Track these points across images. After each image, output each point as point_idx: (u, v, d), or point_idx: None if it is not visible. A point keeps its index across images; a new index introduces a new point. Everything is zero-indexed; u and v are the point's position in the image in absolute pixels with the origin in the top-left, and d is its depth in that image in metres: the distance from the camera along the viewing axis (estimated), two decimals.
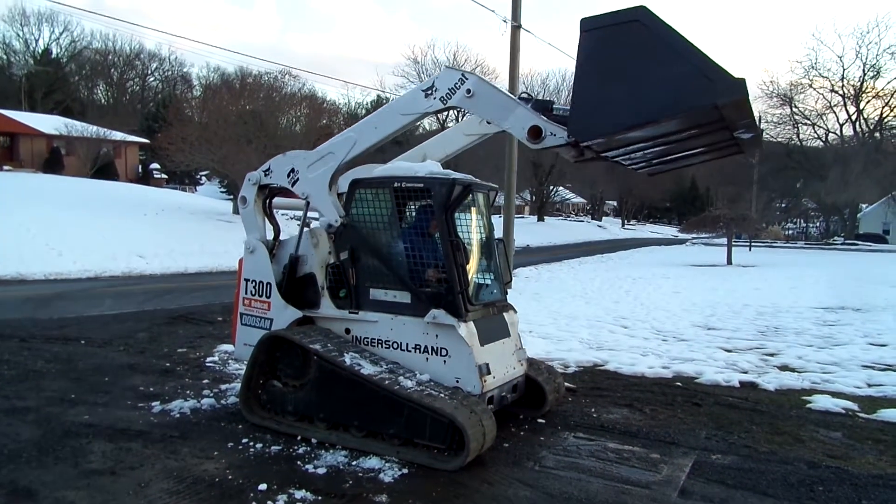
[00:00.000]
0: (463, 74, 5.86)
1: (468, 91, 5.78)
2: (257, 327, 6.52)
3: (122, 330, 10.85)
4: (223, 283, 16.33)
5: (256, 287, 6.59)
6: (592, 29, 4.89)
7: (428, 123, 50.70)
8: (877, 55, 54.53)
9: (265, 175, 6.71)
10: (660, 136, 5.43)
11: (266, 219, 6.95)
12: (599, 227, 71.19)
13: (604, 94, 4.92)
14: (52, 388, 7.39)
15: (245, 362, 6.41)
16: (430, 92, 5.97)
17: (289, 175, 6.54)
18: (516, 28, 18.72)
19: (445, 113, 45.79)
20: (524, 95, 6.18)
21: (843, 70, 55.81)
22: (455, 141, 7.24)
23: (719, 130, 5.46)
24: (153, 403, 6.89)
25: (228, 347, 9.24)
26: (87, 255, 19.52)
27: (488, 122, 6.63)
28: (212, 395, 7.28)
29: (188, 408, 6.79)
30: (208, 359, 9.08)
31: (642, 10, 4.71)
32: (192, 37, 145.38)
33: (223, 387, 7.62)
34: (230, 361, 8.81)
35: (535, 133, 5.50)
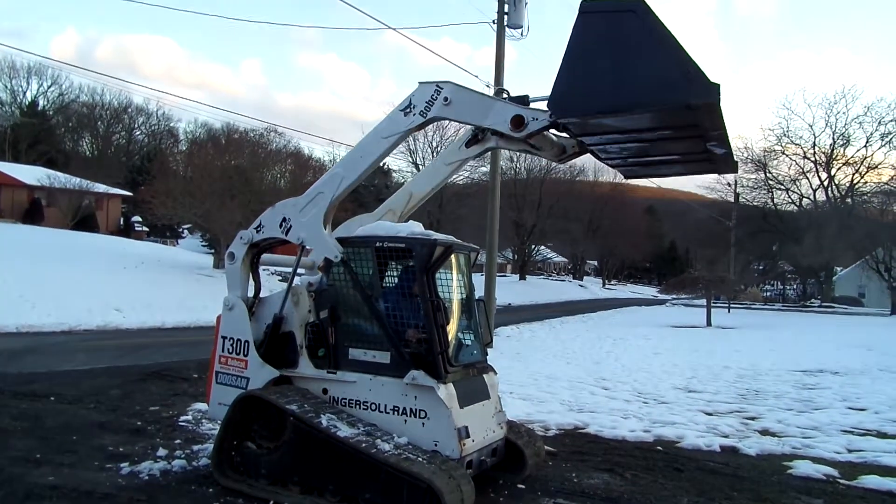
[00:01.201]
0: (437, 85, 5.92)
1: (446, 99, 5.85)
2: (233, 386, 6.40)
3: (93, 386, 10.58)
4: (201, 339, 16.05)
5: (234, 345, 6.49)
6: (589, 12, 5.01)
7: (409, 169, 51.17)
8: (845, 124, 56.45)
9: (257, 232, 6.61)
10: (635, 131, 5.52)
11: (250, 276, 6.87)
12: (581, 286, 71.53)
13: (587, 75, 5.04)
14: (17, 447, 7.13)
15: (219, 422, 6.26)
16: (408, 109, 6.03)
17: (281, 225, 6.45)
18: (499, 92, 19.26)
19: (423, 159, 46.23)
20: (501, 93, 6.30)
21: (814, 138, 57.66)
22: (438, 172, 7.21)
23: (693, 139, 5.57)
24: (122, 464, 6.67)
25: (203, 406, 9.01)
26: (63, 307, 19.17)
27: (467, 146, 6.64)
28: (183, 456, 7.07)
29: (158, 469, 6.57)
30: (181, 417, 8.85)
31: (640, 2, 4.85)
32: (180, 93, 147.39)
33: (195, 448, 7.40)
34: (204, 421, 8.59)
35: (518, 122, 5.59)
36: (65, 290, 20.64)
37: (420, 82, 6.07)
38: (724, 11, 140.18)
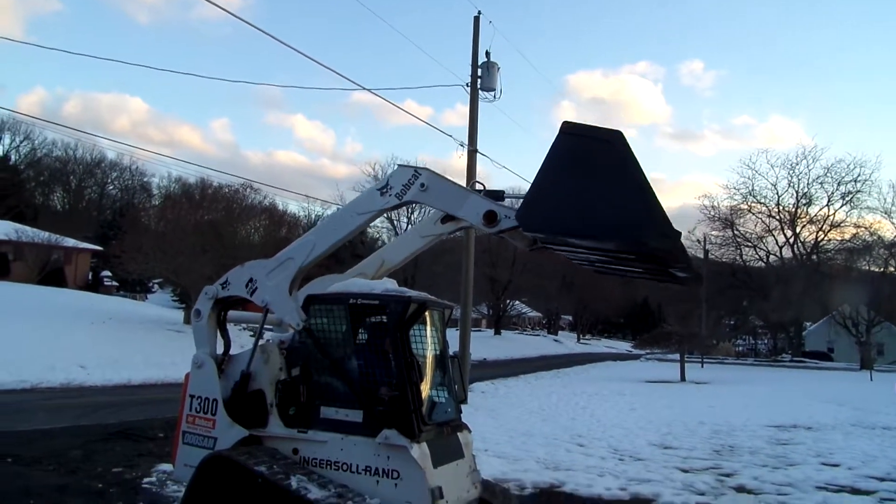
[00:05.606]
0: (416, 170, 6.03)
1: (422, 185, 5.94)
2: (200, 447, 6.21)
3: (53, 447, 10.19)
4: (168, 397, 15.60)
5: (202, 404, 6.33)
6: (570, 133, 5.13)
7: (387, 237, 51.45)
8: (807, 184, 58.31)
9: (223, 288, 6.55)
10: (599, 250, 5.64)
11: (218, 333, 6.77)
12: (555, 341, 71.44)
13: (558, 195, 5.12)
14: None
15: (184, 484, 6.05)
16: (385, 190, 6.11)
17: (247, 285, 6.41)
18: (472, 152, 19.67)
19: (405, 222, 46.55)
20: (477, 186, 6.40)
21: (778, 197, 59.37)
22: (412, 244, 7.23)
23: (653, 261, 5.70)
24: None
25: (168, 467, 8.71)
26: (25, 364, 18.56)
27: (443, 222, 6.69)
28: None
29: None
30: (145, 479, 8.56)
31: (618, 135, 4.98)
32: (153, 149, 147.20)
33: None
34: (169, 483, 8.32)
35: (491, 217, 5.67)
36: (27, 347, 20.06)
37: (399, 165, 6.26)
38: (671, 80, 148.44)
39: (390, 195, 6.08)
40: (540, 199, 5.21)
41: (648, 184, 4.90)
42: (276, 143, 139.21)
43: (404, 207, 47.15)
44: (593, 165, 5.00)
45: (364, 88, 21.09)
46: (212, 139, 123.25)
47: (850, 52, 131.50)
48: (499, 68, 21.16)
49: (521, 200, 5.49)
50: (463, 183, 19.93)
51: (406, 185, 6.01)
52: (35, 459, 9.31)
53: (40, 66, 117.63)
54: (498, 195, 6.10)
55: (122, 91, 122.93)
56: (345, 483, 5.64)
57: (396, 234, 48.16)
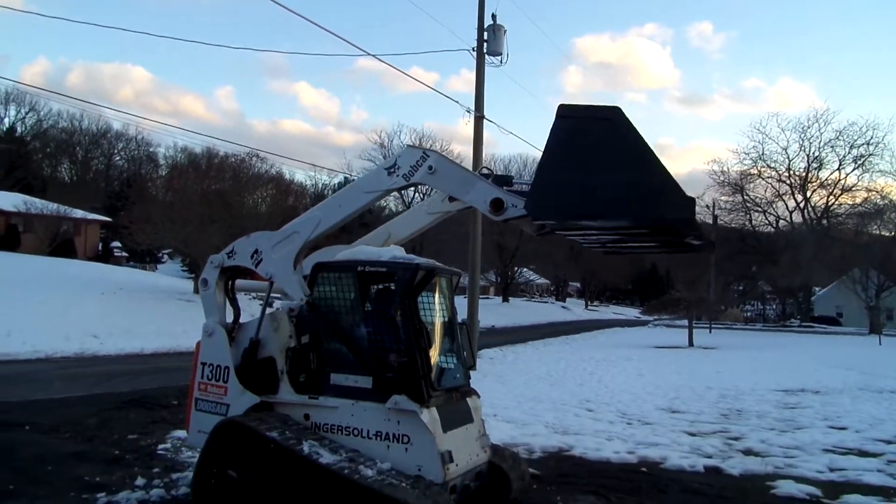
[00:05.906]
0: (424, 152, 6.02)
1: (430, 168, 5.94)
2: (213, 413, 6.30)
3: (69, 415, 10.35)
4: (180, 365, 15.79)
5: (213, 371, 6.40)
6: (567, 116, 5.07)
7: (394, 205, 51.37)
8: (819, 147, 57.48)
9: (228, 257, 6.63)
10: (611, 229, 5.61)
11: (227, 301, 6.83)
12: (563, 308, 71.70)
13: (564, 180, 5.08)
14: None
15: (198, 450, 6.15)
16: (393, 170, 6.11)
17: (252, 256, 6.49)
18: (479, 118, 19.48)
19: (412, 192, 46.51)
20: (485, 171, 6.35)
21: (789, 161, 58.59)
22: (419, 219, 7.30)
23: (669, 234, 5.66)
24: (98, 495, 6.53)
25: (182, 434, 8.85)
26: (39, 335, 18.82)
27: (451, 200, 6.73)
28: (162, 485, 6.94)
29: (136, 499, 6.46)
30: (160, 446, 8.70)
31: (617, 111, 4.91)
32: (158, 118, 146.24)
33: (174, 476, 7.27)
34: (183, 449, 8.44)
35: (497, 205, 5.65)
36: (41, 317, 20.30)
37: (408, 146, 6.24)
38: (680, 43, 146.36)
39: (398, 175, 6.08)
40: (546, 186, 5.18)
41: (655, 155, 4.85)
42: (281, 111, 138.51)
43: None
44: (596, 145, 4.95)
45: (369, 54, 20.88)
46: (216, 108, 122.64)
47: (862, 13, 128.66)
48: (505, 31, 20.82)
49: (528, 188, 5.45)
50: (470, 150, 19.96)
51: (414, 167, 6.00)
52: (52, 427, 9.47)
53: (42, 36, 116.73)
54: (506, 180, 6.08)
55: (124, 60, 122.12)
56: (356, 448, 5.72)
57: (404, 202, 48.09)
